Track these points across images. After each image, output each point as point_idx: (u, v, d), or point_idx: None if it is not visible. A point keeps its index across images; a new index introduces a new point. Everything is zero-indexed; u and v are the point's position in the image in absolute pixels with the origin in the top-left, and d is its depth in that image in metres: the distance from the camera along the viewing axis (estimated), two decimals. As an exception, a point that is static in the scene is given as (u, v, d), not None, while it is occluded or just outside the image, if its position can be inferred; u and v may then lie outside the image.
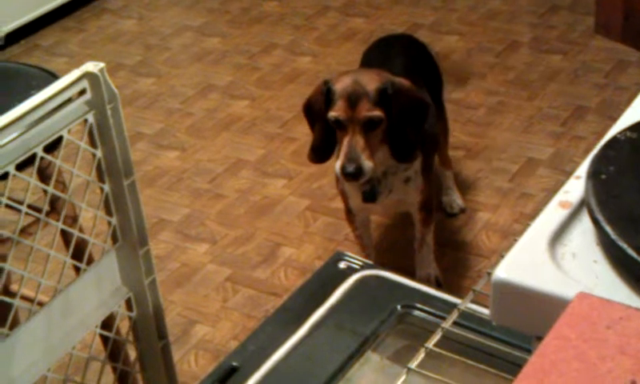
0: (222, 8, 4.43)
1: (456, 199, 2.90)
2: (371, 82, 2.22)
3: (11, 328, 1.55)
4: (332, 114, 2.21)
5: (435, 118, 2.58)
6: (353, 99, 2.19)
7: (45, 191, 1.67)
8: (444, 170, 2.90)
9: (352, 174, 2.18)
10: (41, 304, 1.62)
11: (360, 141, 2.18)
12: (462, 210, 2.89)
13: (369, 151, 2.19)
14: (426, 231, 2.54)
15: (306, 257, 2.79)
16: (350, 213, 2.53)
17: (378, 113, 2.19)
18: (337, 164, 2.21)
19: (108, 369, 1.89)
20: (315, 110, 2.30)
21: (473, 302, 1.26)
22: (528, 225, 1.12)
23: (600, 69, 3.61)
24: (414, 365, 1.18)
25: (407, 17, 4.15)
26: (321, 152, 2.33)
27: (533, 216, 1.16)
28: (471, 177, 3.07)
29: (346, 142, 2.20)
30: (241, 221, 2.97)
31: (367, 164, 2.18)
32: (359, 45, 3.81)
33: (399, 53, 2.67)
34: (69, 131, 1.56)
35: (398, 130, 2.24)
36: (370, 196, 2.37)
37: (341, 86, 2.22)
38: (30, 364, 1.59)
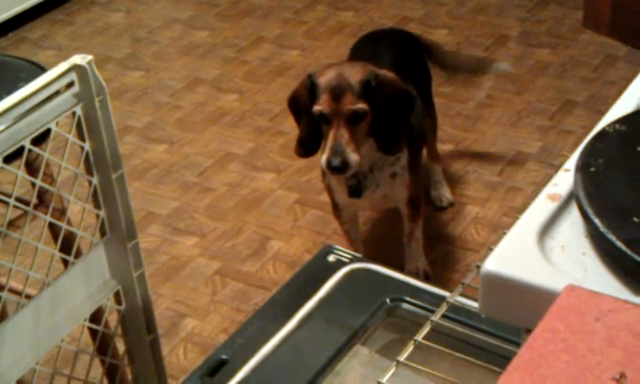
0: (211, 1, 4.42)
1: (445, 193, 2.90)
2: (355, 74, 2.21)
3: (-1, 321, 1.54)
4: (316, 108, 2.21)
5: (422, 114, 2.58)
6: (337, 93, 2.19)
7: (33, 184, 1.66)
8: (433, 165, 2.90)
9: (337, 168, 2.17)
10: (29, 297, 1.61)
11: (345, 134, 2.18)
12: (451, 204, 2.89)
13: (354, 144, 2.19)
14: (415, 226, 2.54)
15: (294, 250, 2.79)
16: (336, 207, 2.53)
17: (362, 106, 2.18)
18: (322, 158, 2.21)
19: (96, 362, 1.88)
20: (300, 104, 2.30)
21: (462, 295, 1.26)
22: (517, 218, 1.12)
23: (588, 63, 3.62)
24: (402, 358, 1.18)
25: (396, 10, 4.15)
26: (307, 146, 2.33)
27: (521, 210, 1.16)
28: (460, 171, 3.07)
29: (331, 135, 2.19)
30: (230, 214, 2.97)
31: (353, 157, 2.18)
32: (348, 38, 3.81)
33: (387, 47, 2.67)
34: (57, 124, 1.56)
35: (383, 123, 2.24)
36: (355, 191, 2.37)
37: (324, 79, 2.21)
38: (17, 357, 1.58)
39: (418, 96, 2.57)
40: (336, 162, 2.17)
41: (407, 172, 2.41)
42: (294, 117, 2.36)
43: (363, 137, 2.23)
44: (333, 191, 2.47)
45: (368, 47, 2.70)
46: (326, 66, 2.31)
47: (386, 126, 2.24)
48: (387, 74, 2.27)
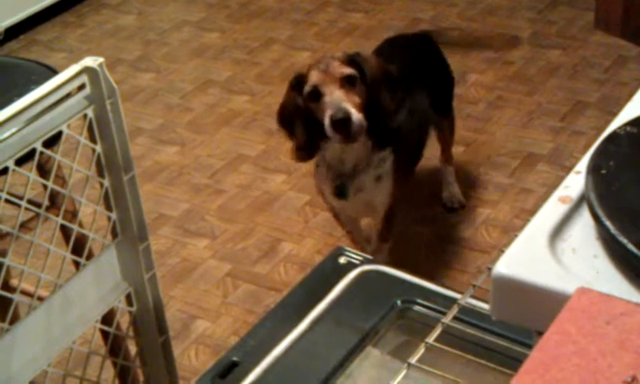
0: (221, 3, 4.42)
1: (456, 194, 2.90)
2: (337, 54, 2.26)
3: (11, 323, 1.55)
4: (307, 86, 2.20)
5: (416, 121, 2.53)
6: (324, 66, 2.20)
7: (44, 186, 1.67)
8: (446, 166, 2.90)
9: (342, 120, 2.12)
10: (41, 299, 1.62)
11: (341, 94, 2.17)
12: (462, 206, 2.89)
13: (353, 103, 2.17)
14: (382, 248, 2.48)
15: (305, 252, 2.79)
16: (334, 212, 2.54)
17: (351, 70, 2.19)
18: (325, 121, 2.17)
19: (108, 364, 1.89)
20: (290, 110, 2.29)
21: (473, 297, 1.26)
22: (528, 220, 1.12)
23: (600, 64, 3.61)
24: (414, 360, 1.18)
25: (407, 12, 4.15)
26: (306, 149, 2.31)
27: (533, 211, 1.16)
28: (471, 172, 3.07)
29: (327, 100, 2.17)
30: (241, 216, 2.97)
31: (355, 111, 2.15)
32: (358, 40, 3.81)
33: (406, 54, 2.66)
34: (68, 126, 1.56)
35: (373, 99, 2.22)
36: (341, 191, 2.35)
37: (310, 67, 2.24)
38: (30, 359, 1.59)
39: (429, 104, 2.56)
40: (339, 113, 2.13)
41: (391, 177, 2.38)
42: (287, 130, 2.34)
43: (360, 105, 2.19)
44: (324, 194, 2.46)
45: (387, 52, 2.70)
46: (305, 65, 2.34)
47: (377, 104, 2.23)
48: (370, 55, 2.31)
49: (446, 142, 2.86)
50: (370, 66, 2.23)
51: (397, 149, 2.36)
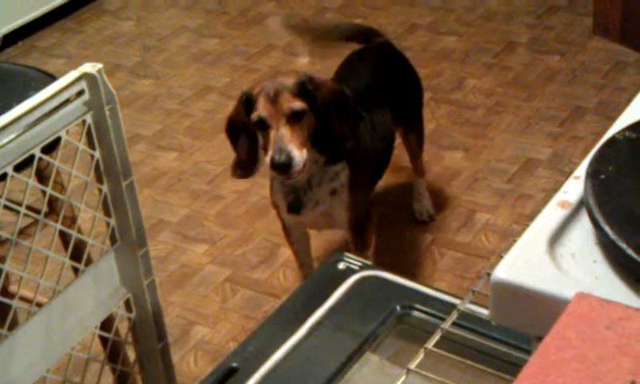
0: (220, 9, 4.43)
1: (426, 206, 2.88)
2: (289, 78, 2.20)
3: (10, 329, 1.55)
4: (255, 114, 2.16)
5: (376, 136, 2.50)
6: (273, 95, 2.14)
7: (43, 192, 1.67)
8: (417, 178, 2.89)
9: (283, 164, 2.10)
10: (40, 305, 1.62)
11: (287, 133, 2.12)
12: (432, 218, 2.87)
13: (297, 142, 2.13)
14: (363, 257, 2.44)
15: (304, 258, 2.78)
16: (285, 227, 2.51)
17: (300, 103, 2.14)
18: (267, 159, 2.15)
19: (107, 370, 1.89)
20: (238, 124, 2.25)
21: (472, 302, 1.26)
22: (527, 225, 1.12)
23: (598, 69, 3.61)
24: (413, 365, 1.18)
25: (405, 17, 4.15)
26: (245, 166, 2.28)
27: (532, 217, 1.16)
28: (470, 178, 3.07)
29: (272, 137, 2.14)
30: (240, 221, 2.97)
31: (297, 153, 2.12)
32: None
33: (368, 67, 2.65)
34: (67, 132, 1.56)
35: (325, 126, 2.20)
36: (294, 207, 2.33)
37: (259, 88, 2.18)
38: (28, 365, 1.59)
39: (391, 117, 2.54)
40: (281, 157, 2.09)
41: (347, 191, 2.34)
42: (232, 142, 2.31)
43: (305, 138, 2.18)
44: (279, 209, 2.43)
45: (349, 67, 2.68)
46: (258, 79, 2.28)
47: (328, 129, 2.21)
48: (322, 77, 2.25)
49: (414, 154, 2.84)
50: (322, 92, 2.20)
51: (352, 162, 2.34)
